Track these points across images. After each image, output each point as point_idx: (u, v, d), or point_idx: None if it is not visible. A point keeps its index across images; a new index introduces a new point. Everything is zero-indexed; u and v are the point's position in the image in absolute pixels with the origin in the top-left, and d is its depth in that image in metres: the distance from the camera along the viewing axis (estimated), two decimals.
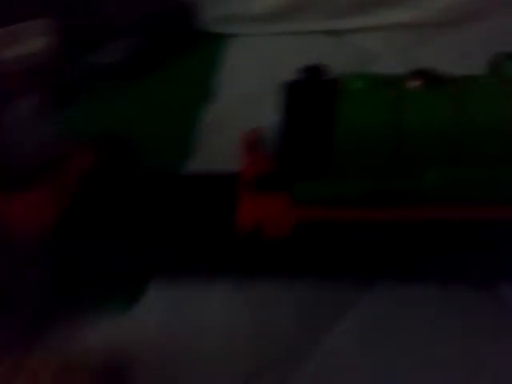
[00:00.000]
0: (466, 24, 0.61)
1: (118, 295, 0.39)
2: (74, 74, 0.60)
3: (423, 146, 0.33)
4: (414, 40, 0.61)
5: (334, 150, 0.34)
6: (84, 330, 0.36)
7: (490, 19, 0.61)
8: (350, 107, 0.34)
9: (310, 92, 0.35)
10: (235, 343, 0.36)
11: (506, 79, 0.34)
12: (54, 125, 0.42)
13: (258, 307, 0.38)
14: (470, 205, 0.34)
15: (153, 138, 0.50)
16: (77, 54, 0.60)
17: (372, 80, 0.35)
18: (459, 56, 0.53)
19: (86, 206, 0.40)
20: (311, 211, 0.35)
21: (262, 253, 0.37)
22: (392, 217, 0.35)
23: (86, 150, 0.43)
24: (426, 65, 0.35)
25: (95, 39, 0.64)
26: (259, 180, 0.37)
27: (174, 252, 0.39)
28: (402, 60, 0.58)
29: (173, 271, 0.40)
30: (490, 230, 0.35)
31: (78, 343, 0.35)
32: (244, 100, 0.56)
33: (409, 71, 0.35)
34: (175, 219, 0.39)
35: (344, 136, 0.34)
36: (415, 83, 0.34)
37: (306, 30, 0.67)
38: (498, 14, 0.61)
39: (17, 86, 0.41)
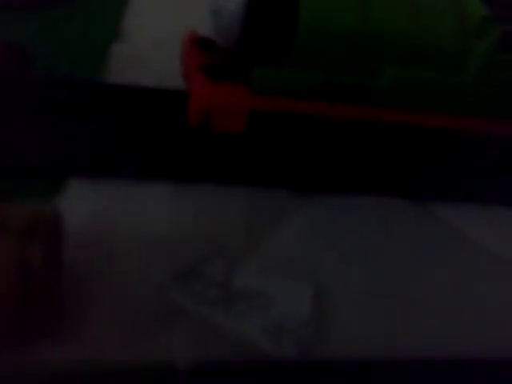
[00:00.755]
0: None
1: (34, 185, 0.33)
2: None
3: (382, 45, 0.34)
4: None
5: (294, 39, 0.33)
6: None
7: None
8: None
9: None
10: (177, 234, 0.32)
11: None
12: None
13: (201, 207, 0.34)
14: (418, 111, 0.35)
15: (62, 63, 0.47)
16: None
17: None
18: None
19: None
20: (267, 102, 0.34)
21: (212, 148, 0.35)
22: (345, 113, 0.35)
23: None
24: None
25: None
26: (212, 69, 0.34)
27: (104, 145, 0.35)
28: None
29: (104, 167, 0.35)
30: (434, 141, 0.37)
31: None
32: (151, 43, 0.55)
33: None
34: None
35: (306, 26, 0.33)
36: None
37: None
38: None
39: None
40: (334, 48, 0.34)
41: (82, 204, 0.33)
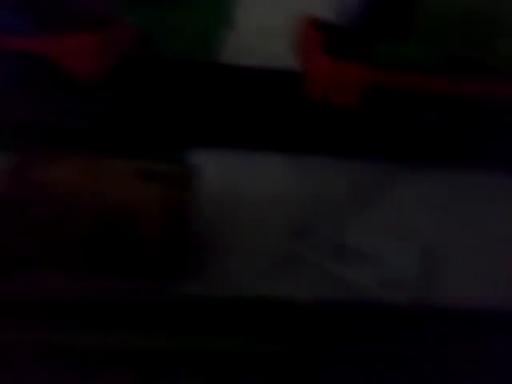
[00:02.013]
0: None
1: (161, 154, 0.37)
2: None
3: (498, 21, 0.34)
4: None
5: (416, 16, 0.34)
6: None
7: None
8: None
9: None
10: (294, 198, 0.35)
11: None
12: None
13: (315, 174, 0.37)
14: None
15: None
16: None
17: None
18: None
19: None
20: (387, 76, 0.35)
21: (330, 121, 0.36)
22: (466, 88, 0.35)
23: (128, 27, 0.43)
24: None
25: None
26: (332, 46, 0.36)
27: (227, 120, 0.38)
28: None
29: (226, 140, 0.38)
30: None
31: None
32: (261, 33, 0.57)
33: None
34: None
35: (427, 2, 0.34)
36: None
37: None
38: None
39: None
40: (454, 24, 0.34)
41: (206, 172, 0.36)
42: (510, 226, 0.35)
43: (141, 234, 0.25)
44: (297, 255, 0.30)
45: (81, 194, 0.25)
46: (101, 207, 0.25)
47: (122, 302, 0.25)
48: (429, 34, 0.34)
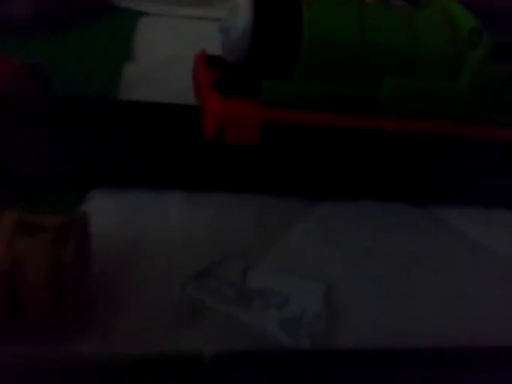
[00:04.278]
0: None
1: (58, 197, 0.35)
2: None
3: (381, 58, 0.36)
4: None
5: (299, 53, 0.35)
6: None
7: None
8: (317, 15, 0.36)
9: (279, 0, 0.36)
10: (195, 239, 0.34)
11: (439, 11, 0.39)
12: None
13: (216, 214, 0.36)
14: (418, 118, 0.37)
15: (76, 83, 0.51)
16: None
17: None
18: None
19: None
20: (276, 113, 0.36)
21: (225, 159, 0.37)
22: (350, 122, 0.37)
23: (8, 63, 0.41)
24: None
25: None
26: (223, 84, 0.36)
27: (123, 159, 0.37)
28: None
29: (123, 179, 0.37)
30: (435, 147, 0.39)
31: None
32: (159, 64, 0.58)
33: None
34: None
35: (309, 41, 0.35)
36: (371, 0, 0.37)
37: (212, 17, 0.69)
38: None
39: None
40: (337, 61, 0.36)
41: (104, 213, 0.35)
42: (413, 253, 0.37)
43: (26, 293, 0.24)
44: (199, 302, 0.29)
45: None
46: None
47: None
48: (312, 70, 0.36)
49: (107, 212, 0.35)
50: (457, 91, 0.37)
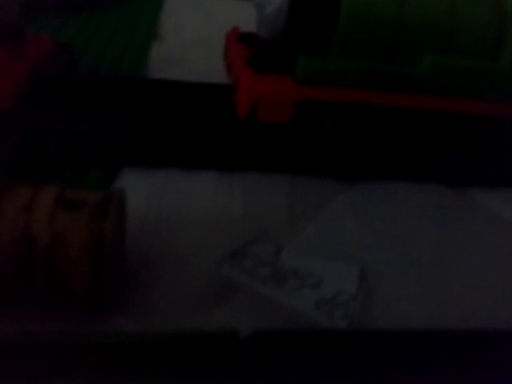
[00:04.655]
0: None
1: (90, 176, 0.35)
2: None
3: (420, 34, 0.35)
4: None
5: (336, 29, 0.34)
6: None
7: None
8: None
9: None
10: (227, 218, 0.34)
11: None
12: None
13: (248, 193, 0.36)
14: (456, 98, 0.36)
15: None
16: None
17: None
18: None
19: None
20: (311, 91, 0.35)
21: (257, 138, 0.36)
22: (386, 100, 0.36)
23: (42, 40, 0.41)
24: None
25: None
26: (258, 61, 0.36)
27: (155, 137, 0.37)
28: None
29: (155, 157, 0.37)
30: (472, 127, 0.38)
31: None
32: (187, 44, 0.57)
33: None
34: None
35: (347, 16, 0.34)
36: None
37: None
38: None
39: None
40: (375, 37, 0.35)
41: (135, 192, 0.35)
42: (447, 235, 0.36)
43: (67, 267, 0.24)
44: (233, 281, 0.29)
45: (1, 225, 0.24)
46: (23, 239, 0.24)
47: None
48: (350, 47, 0.35)
49: (138, 191, 0.35)
50: (498, 70, 0.36)
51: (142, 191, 0.35)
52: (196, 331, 0.25)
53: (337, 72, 0.35)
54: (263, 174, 0.38)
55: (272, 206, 0.36)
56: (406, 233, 0.36)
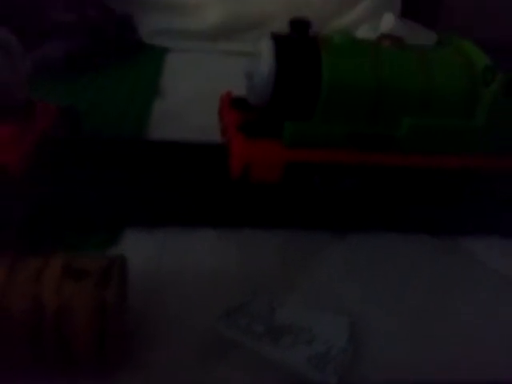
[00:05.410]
0: None
1: (94, 238, 0.38)
2: None
3: (398, 99, 0.38)
4: None
5: (319, 96, 0.37)
6: None
7: None
8: (335, 59, 0.38)
9: (298, 45, 0.38)
10: (225, 274, 0.36)
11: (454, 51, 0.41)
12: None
13: (244, 249, 0.38)
14: (436, 154, 0.39)
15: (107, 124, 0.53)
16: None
17: (352, 38, 0.39)
18: None
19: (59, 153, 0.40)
20: (299, 153, 0.38)
21: (251, 197, 0.39)
22: (370, 160, 0.38)
23: (48, 108, 0.44)
24: None
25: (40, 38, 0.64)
26: (248, 126, 0.38)
27: (155, 198, 0.39)
28: None
29: (155, 217, 0.39)
30: (456, 181, 0.40)
31: None
32: (185, 100, 0.60)
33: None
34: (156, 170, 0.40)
35: (329, 85, 0.37)
36: (387, 43, 0.39)
37: (238, 51, 0.71)
38: None
39: None
40: (355, 103, 0.38)
41: (137, 252, 0.37)
42: (437, 286, 0.38)
43: (74, 334, 0.26)
44: (229, 339, 0.31)
45: (10, 296, 0.26)
46: (32, 309, 0.26)
47: None
48: (333, 112, 0.38)
49: (140, 250, 0.37)
50: (474, 127, 0.39)
51: (143, 251, 0.37)
52: None
53: (322, 135, 0.38)
54: (259, 230, 0.40)
55: (267, 262, 0.38)
56: (394, 284, 0.38)
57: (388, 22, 0.77)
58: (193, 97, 0.61)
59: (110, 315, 0.26)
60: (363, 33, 0.75)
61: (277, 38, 0.38)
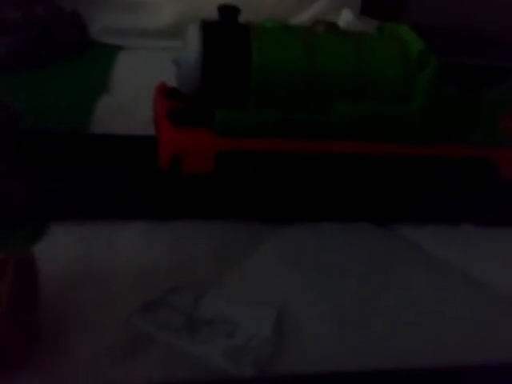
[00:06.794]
0: None
1: (18, 233, 0.36)
2: None
3: (330, 83, 0.37)
4: None
5: (250, 82, 0.36)
6: None
7: None
8: (264, 43, 0.37)
9: (227, 31, 0.37)
10: (153, 268, 0.35)
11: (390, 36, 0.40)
12: None
13: (175, 242, 0.37)
14: (372, 141, 0.38)
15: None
16: None
17: (283, 24, 0.38)
18: None
19: None
20: (230, 142, 0.36)
21: (182, 189, 0.37)
22: (303, 148, 0.37)
23: None
24: None
25: None
26: (176, 115, 0.37)
27: (83, 191, 0.38)
28: None
29: (82, 211, 0.38)
30: (392, 168, 0.39)
31: None
32: (133, 96, 0.58)
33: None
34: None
35: (259, 70, 0.36)
36: (321, 28, 0.38)
37: None
38: None
39: None
40: (287, 88, 0.37)
41: (65, 246, 0.36)
42: (373, 272, 0.37)
43: None
44: (147, 333, 0.29)
45: None
46: None
47: None
48: (265, 99, 0.37)
49: (68, 245, 0.36)
50: (409, 111, 0.38)
51: (71, 244, 0.36)
52: None
53: (254, 122, 0.37)
54: (192, 222, 0.39)
55: (199, 254, 0.37)
56: (330, 274, 0.37)
57: (346, 19, 0.77)
58: (141, 92, 0.60)
59: (3, 310, 0.24)
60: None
61: (205, 24, 0.37)
